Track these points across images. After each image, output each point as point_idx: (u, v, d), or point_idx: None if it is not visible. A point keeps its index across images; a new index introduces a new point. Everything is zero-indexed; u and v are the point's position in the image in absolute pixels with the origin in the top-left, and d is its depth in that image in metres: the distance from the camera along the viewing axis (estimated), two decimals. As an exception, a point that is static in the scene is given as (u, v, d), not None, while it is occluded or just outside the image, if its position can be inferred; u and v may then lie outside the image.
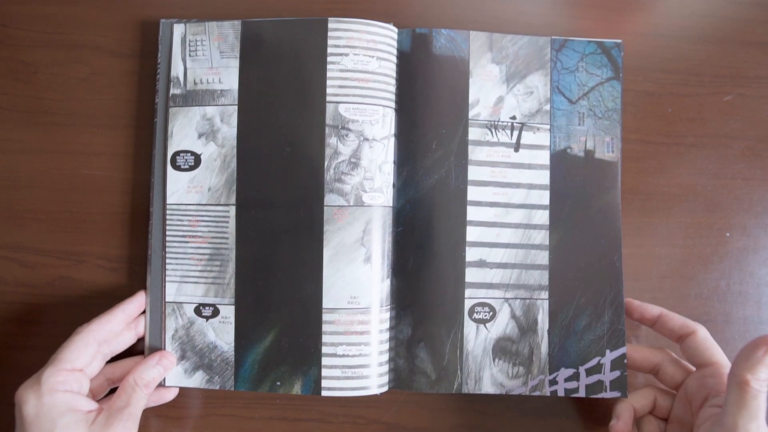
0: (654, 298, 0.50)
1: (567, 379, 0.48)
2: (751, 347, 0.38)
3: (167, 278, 0.48)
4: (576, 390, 0.48)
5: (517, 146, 0.49)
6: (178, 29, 0.49)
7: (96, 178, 0.50)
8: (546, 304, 0.48)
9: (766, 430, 0.38)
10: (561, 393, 0.48)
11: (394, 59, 0.49)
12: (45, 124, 0.51)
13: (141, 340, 0.48)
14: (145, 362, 0.45)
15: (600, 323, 0.48)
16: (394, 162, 0.48)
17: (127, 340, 0.47)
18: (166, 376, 0.47)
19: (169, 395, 0.48)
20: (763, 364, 0.38)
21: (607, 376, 0.47)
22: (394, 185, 0.48)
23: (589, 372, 0.48)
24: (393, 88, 0.49)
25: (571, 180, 0.49)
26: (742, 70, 0.52)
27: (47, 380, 0.40)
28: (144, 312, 0.48)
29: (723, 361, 0.44)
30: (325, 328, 0.47)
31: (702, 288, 0.51)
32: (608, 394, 0.47)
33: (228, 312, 0.48)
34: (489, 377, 0.48)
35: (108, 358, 0.46)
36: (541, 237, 0.49)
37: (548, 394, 0.48)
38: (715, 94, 0.52)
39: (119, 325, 0.46)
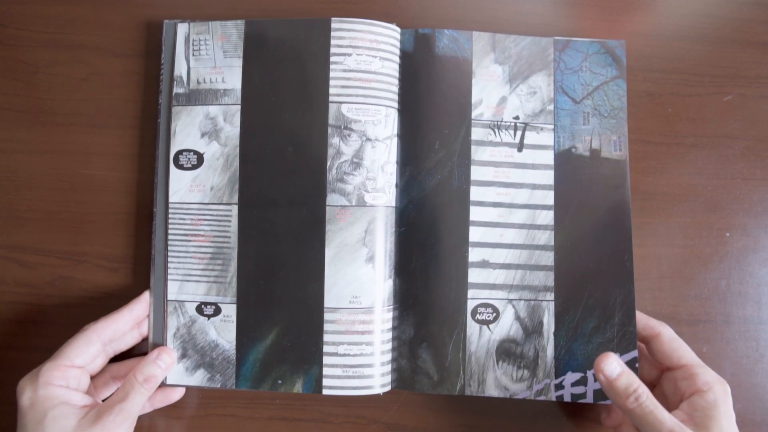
0: (654, 297, 0.50)
1: (574, 384, 0.47)
2: (605, 386, 0.42)
3: (169, 277, 0.48)
4: (584, 395, 0.47)
5: (520, 146, 0.49)
6: (182, 28, 0.49)
7: (97, 178, 0.50)
8: (552, 305, 0.48)
9: (670, 418, 0.39)
10: (567, 398, 0.47)
11: (397, 59, 0.49)
12: (45, 124, 0.50)
13: (145, 340, 0.48)
14: (145, 358, 0.45)
15: (609, 325, 0.47)
16: (397, 162, 0.48)
17: (131, 339, 0.47)
18: (167, 374, 0.47)
19: (176, 395, 0.48)
20: (612, 390, 0.41)
21: None
22: (397, 185, 0.48)
23: None
24: (396, 89, 0.49)
25: (577, 180, 0.49)
26: (742, 70, 0.52)
27: (44, 374, 0.41)
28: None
29: (693, 362, 0.43)
30: (326, 327, 0.47)
31: (702, 288, 0.51)
32: None
33: (229, 311, 0.48)
34: (493, 380, 0.47)
35: (112, 355, 0.46)
36: (546, 237, 0.49)
37: (554, 399, 0.47)
38: (715, 94, 0.52)
39: (126, 325, 0.46)
